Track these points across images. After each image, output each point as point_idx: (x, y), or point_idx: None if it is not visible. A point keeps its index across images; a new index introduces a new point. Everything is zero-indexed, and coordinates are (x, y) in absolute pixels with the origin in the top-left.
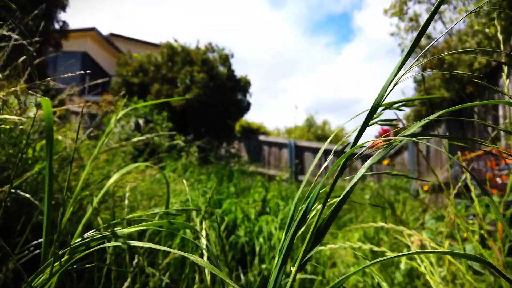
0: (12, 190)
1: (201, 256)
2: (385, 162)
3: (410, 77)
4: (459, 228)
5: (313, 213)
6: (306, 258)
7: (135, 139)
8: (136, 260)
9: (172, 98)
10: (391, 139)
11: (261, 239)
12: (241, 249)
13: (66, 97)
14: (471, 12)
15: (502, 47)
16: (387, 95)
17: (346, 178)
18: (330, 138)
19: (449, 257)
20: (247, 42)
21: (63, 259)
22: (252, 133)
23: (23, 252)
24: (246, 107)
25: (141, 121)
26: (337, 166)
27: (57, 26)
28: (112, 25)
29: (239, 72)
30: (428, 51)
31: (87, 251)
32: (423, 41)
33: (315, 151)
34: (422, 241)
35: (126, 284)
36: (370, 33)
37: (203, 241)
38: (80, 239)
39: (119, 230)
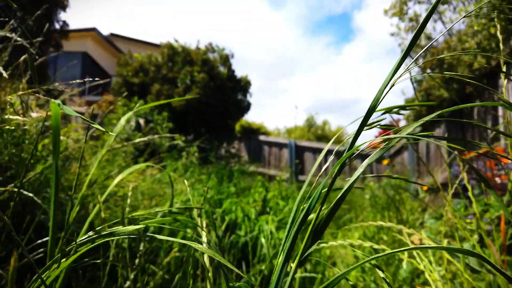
0: (16, 189)
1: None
2: (385, 162)
3: (407, 79)
4: (457, 228)
5: (312, 214)
6: (306, 254)
7: (137, 140)
8: (137, 260)
9: (173, 98)
10: (388, 139)
11: (261, 239)
12: (241, 248)
13: (67, 97)
14: (469, 15)
15: (501, 47)
16: (383, 97)
17: (348, 178)
18: (332, 140)
19: (447, 256)
20: (247, 42)
21: (69, 255)
22: (252, 133)
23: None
24: (246, 107)
25: (141, 121)
26: (337, 167)
27: (57, 26)
28: (112, 25)
29: (239, 72)
30: (428, 51)
31: (93, 244)
32: (423, 41)
33: (315, 151)
34: (421, 240)
35: (128, 283)
36: (370, 33)
37: (203, 233)
38: (85, 236)
39: (123, 228)
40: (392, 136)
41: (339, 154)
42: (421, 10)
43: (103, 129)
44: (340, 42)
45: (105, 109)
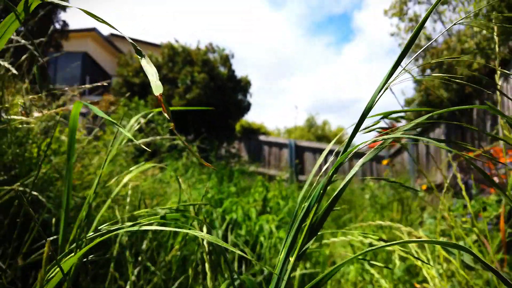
0: (21, 188)
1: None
2: (385, 162)
3: (406, 79)
4: (453, 227)
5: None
6: (304, 248)
7: (140, 140)
8: (140, 257)
9: (173, 98)
10: (384, 139)
11: (261, 238)
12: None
13: (68, 98)
14: (466, 18)
15: (496, 49)
16: (378, 99)
17: (348, 178)
18: (333, 142)
19: (443, 253)
20: (247, 42)
21: (81, 248)
22: (252, 133)
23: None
24: (247, 107)
25: (142, 121)
26: (335, 167)
27: (57, 26)
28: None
29: (239, 72)
30: (428, 51)
31: (102, 238)
32: (423, 41)
33: (315, 151)
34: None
35: (133, 277)
36: (370, 33)
37: (204, 230)
38: (92, 232)
39: (129, 223)
40: (386, 136)
41: (339, 154)
42: (421, 11)
43: (124, 131)
44: (340, 42)
45: (105, 110)
